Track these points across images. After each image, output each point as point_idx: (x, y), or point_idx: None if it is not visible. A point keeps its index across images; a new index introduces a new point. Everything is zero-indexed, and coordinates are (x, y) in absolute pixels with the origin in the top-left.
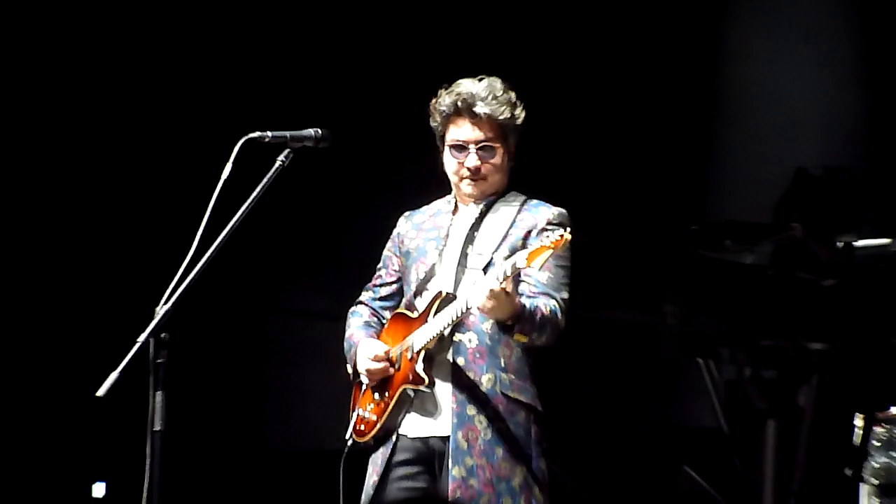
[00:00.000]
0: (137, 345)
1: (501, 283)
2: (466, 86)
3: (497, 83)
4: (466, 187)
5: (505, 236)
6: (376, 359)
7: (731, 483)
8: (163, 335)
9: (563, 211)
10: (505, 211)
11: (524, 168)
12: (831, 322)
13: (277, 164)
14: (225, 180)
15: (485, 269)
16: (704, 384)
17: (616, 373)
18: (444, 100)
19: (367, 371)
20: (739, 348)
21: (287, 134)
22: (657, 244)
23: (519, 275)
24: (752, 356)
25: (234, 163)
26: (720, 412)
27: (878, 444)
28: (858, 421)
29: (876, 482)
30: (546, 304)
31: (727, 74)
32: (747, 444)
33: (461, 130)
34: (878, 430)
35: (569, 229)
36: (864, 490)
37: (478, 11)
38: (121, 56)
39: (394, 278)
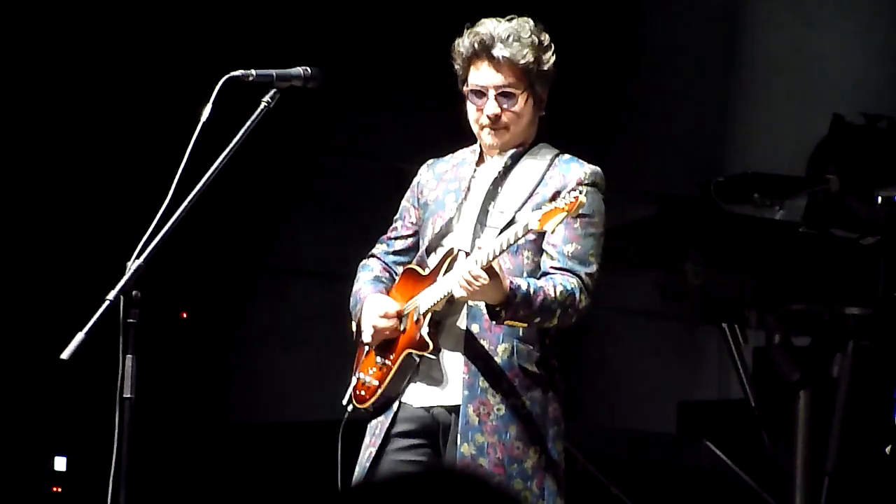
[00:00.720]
0: (106, 303)
1: (485, 264)
2: (488, 26)
3: (526, 24)
4: (487, 137)
5: (531, 195)
6: (386, 316)
7: (758, 461)
8: (134, 293)
9: (598, 169)
10: (533, 166)
11: (553, 117)
12: (870, 284)
13: (262, 105)
14: (204, 123)
15: (502, 230)
16: (729, 351)
17: (632, 338)
18: (465, 41)
19: (374, 328)
20: (768, 312)
21: (273, 72)
22: (677, 197)
23: (525, 245)
24: (781, 321)
25: (214, 104)
26: (746, 383)
27: None
28: None
29: None
30: (560, 284)
31: (763, 41)
32: (776, 418)
33: (480, 74)
34: None
35: (585, 191)
36: None
37: None
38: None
39: (410, 231)
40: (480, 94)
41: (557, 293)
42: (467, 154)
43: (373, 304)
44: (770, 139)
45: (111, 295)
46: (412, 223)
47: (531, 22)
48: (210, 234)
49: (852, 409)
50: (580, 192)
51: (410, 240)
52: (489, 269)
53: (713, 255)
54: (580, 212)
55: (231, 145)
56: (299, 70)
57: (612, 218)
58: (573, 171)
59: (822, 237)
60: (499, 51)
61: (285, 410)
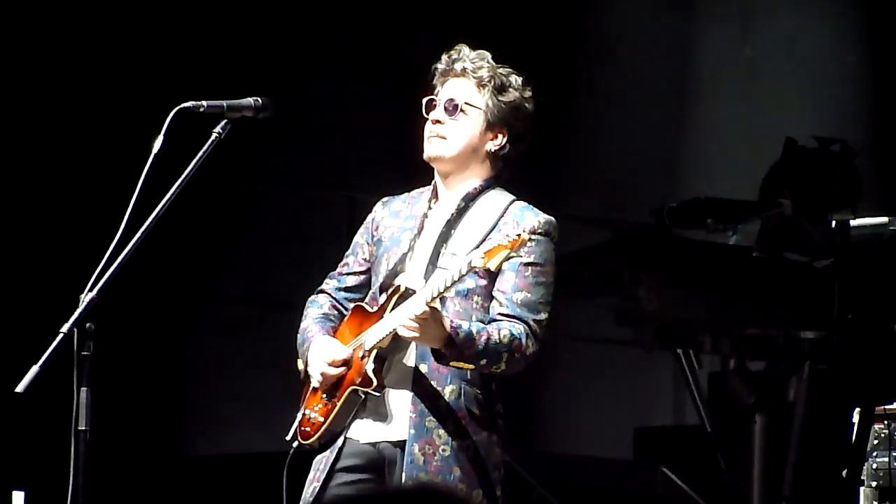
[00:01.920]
0: (60, 335)
1: (429, 300)
2: (465, 49)
3: (504, 67)
4: (427, 146)
5: (483, 240)
6: (334, 364)
7: (715, 486)
8: (88, 325)
9: (551, 219)
10: (487, 211)
11: None
12: (824, 308)
13: (213, 136)
14: (156, 155)
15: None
16: (684, 377)
17: (586, 365)
18: (442, 60)
19: (322, 374)
20: (723, 337)
21: (224, 103)
22: (630, 223)
23: (476, 290)
24: (736, 345)
25: (165, 135)
26: (702, 408)
27: (877, 442)
28: (855, 417)
29: (875, 485)
30: (506, 328)
31: (714, 65)
32: (732, 443)
33: (443, 89)
34: (876, 427)
35: (526, 230)
36: (863, 494)
37: None
38: (44, 22)
39: (363, 268)
40: (434, 102)
41: (502, 336)
42: (424, 193)
43: (320, 348)
44: (723, 164)
45: (65, 328)
46: (365, 259)
47: (522, 78)
48: (160, 266)
49: (809, 433)
50: (523, 231)
51: (363, 276)
52: (430, 307)
53: (667, 281)
54: (532, 260)
55: (183, 176)
56: (250, 101)
57: (566, 245)
58: (527, 220)
59: (775, 261)
60: (461, 64)
61: (237, 442)
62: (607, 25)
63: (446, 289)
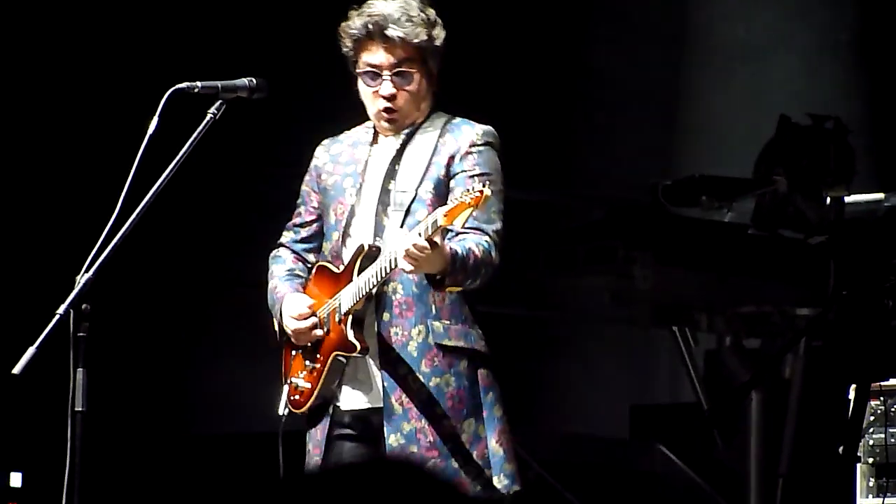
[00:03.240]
0: (56, 317)
1: (427, 236)
2: (378, 6)
3: (413, 1)
4: (383, 123)
5: (427, 167)
6: (301, 317)
7: (711, 464)
8: (84, 306)
9: (489, 129)
10: (426, 137)
11: (503, 121)
12: (819, 285)
13: (208, 116)
14: (151, 136)
15: (408, 209)
16: (680, 355)
17: (582, 343)
18: (355, 22)
19: (294, 331)
20: (718, 315)
21: (218, 84)
22: (625, 201)
23: (433, 204)
24: (732, 323)
25: (160, 116)
26: (698, 386)
27: (873, 418)
28: (851, 393)
29: (872, 461)
30: (479, 244)
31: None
32: (729, 420)
33: (374, 55)
34: (873, 403)
35: (489, 185)
36: (859, 470)
37: None
38: (40, 5)
39: (314, 216)
40: (375, 75)
41: (480, 252)
42: (361, 134)
43: (290, 304)
44: (717, 140)
45: (61, 309)
46: (314, 207)
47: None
48: (164, 247)
49: (805, 410)
50: (483, 186)
51: (315, 224)
52: (430, 240)
53: (662, 259)
54: (478, 171)
55: (178, 157)
56: (244, 81)
57: (561, 222)
58: (465, 134)
59: (770, 238)
60: (392, 31)
61: (243, 421)
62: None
63: (428, 238)
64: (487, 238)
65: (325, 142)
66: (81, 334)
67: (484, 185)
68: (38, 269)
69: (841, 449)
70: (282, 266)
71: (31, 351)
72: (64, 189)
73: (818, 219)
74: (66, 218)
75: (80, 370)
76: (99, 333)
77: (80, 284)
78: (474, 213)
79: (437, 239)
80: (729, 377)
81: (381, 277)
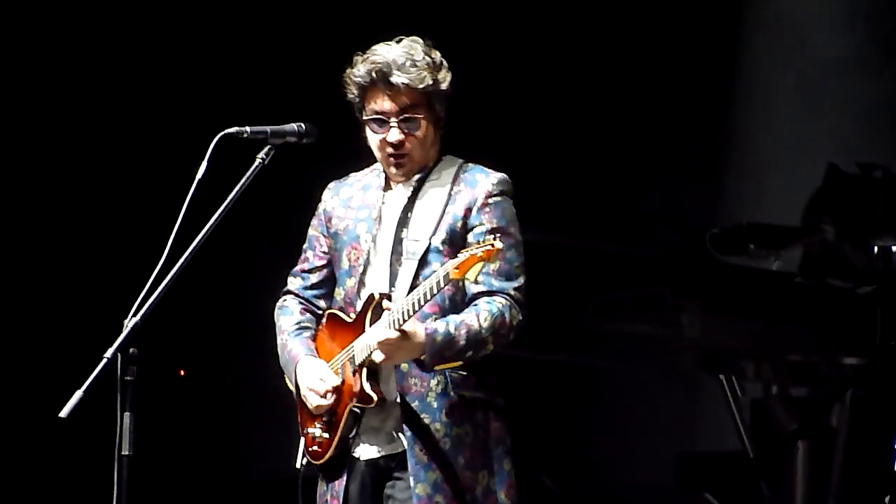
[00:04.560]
0: (104, 361)
1: (399, 325)
2: (381, 52)
3: (417, 45)
4: (392, 169)
5: (441, 216)
6: (326, 394)
7: None
8: (131, 350)
9: (503, 177)
10: (439, 185)
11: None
12: (867, 334)
13: (257, 161)
14: (200, 180)
15: (423, 258)
16: (727, 403)
17: (629, 391)
18: (359, 69)
19: (316, 407)
20: (765, 363)
21: (267, 129)
22: (673, 248)
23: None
24: (779, 372)
25: (209, 161)
26: (744, 434)
27: None
28: None
29: None
30: (484, 311)
31: (756, 95)
32: (775, 469)
33: (379, 103)
34: None
35: (500, 238)
36: None
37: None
38: (89, 52)
39: (323, 261)
40: (382, 122)
41: (482, 321)
42: (372, 178)
43: (310, 374)
44: (765, 189)
45: (109, 353)
46: (324, 253)
47: (421, 42)
48: (212, 289)
49: (851, 460)
50: (494, 239)
51: (325, 270)
52: (400, 331)
53: (709, 307)
54: (495, 225)
55: (227, 202)
56: (293, 126)
57: (609, 269)
58: (480, 184)
59: (818, 287)
60: (397, 77)
61: (290, 467)
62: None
63: (421, 306)
64: (503, 300)
65: (332, 185)
66: (129, 378)
67: (495, 239)
68: (86, 313)
69: (888, 499)
70: (289, 319)
71: (78, 394)
72: (114, 233)
73: (866, 268)
74: (116, 261)
75: (127, 414)
76: (146, 377)
77: (128, 328)
78: (495, 270)
79: (408, 327)
80: (776, 426)
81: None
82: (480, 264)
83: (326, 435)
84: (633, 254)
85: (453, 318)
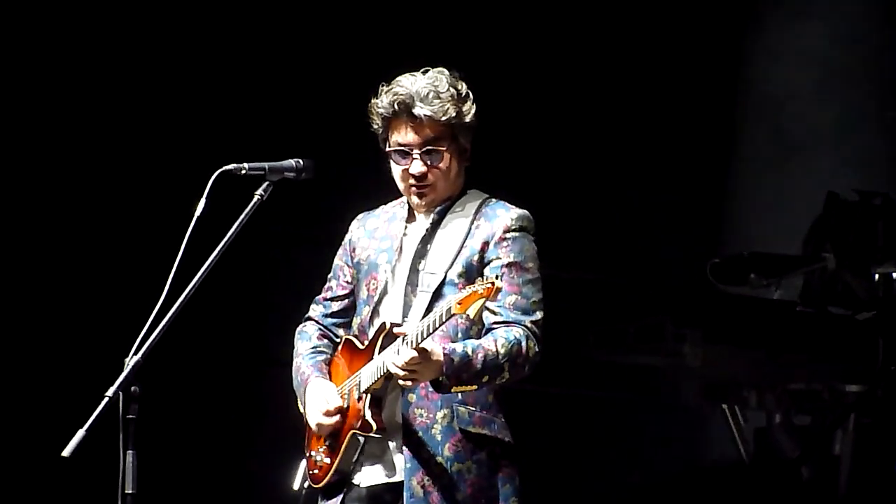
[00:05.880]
0: (106, 399)
1: (415, 345)
2: (405, 84)
3: (442, 77)
4: (415, 198)
5: (459, 250)
6: (328, 414)
7: None
8: (133, 388)
9: (524, 213)
10: (460, 219)
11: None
12: (868, 361)
13: (256, 198)
14: (198, 217)
15: (437, 291)
16: (730, 432)
17: (632, 422)
18: (382, 100)
19: (317, 425)
20: (768, 392)
21: (265, 165)
22: (674, 280)
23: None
24: (781, 400)
25: (208, 198)
26: (748, 463)
27: None
28: None
29: None
30: (502, 337)
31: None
32: (779, 497)
33: (402, 134)
34: None
35: (517, 273)
36: None
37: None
38: (85, 87)
39: (346, 291)
40: (405, 153)
41: (499, 347)
42: (398, 209)
43: (315, 395)
44: (765, 218)
45: (110, 391)
46: (347, 282)
47: (447, 73)
48: (212, 326)
49: (855, 487)
50: (496, 277)
51: (347, 300)
52: (419, 350)
53: (711, 337)
54: (512, 259)
55: (226, 238)
56: (291, 162)
57: (610, 301)
58: (500, 219)
59: (819, 315)
60: (419, 109)
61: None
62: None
63: (429, 334)
64: (521, 329)
65: (361, 216)
66: (130, 416)
67: (502, 276)
68: (86, 352)
69: None
70: (306, 343)
71: (80, 434)
72: (113, 271)
73: (866, 295)
74: (115, 300)
75: (129, 452)
76: (148, 416)
77: (129, 367)
78: (510, 304)
79: (427, 345)
80: (779, 454)
81: (384, 373)
82: (481, 301)
83: (328, 460)
84: (634, 285)
85: (471, 342)
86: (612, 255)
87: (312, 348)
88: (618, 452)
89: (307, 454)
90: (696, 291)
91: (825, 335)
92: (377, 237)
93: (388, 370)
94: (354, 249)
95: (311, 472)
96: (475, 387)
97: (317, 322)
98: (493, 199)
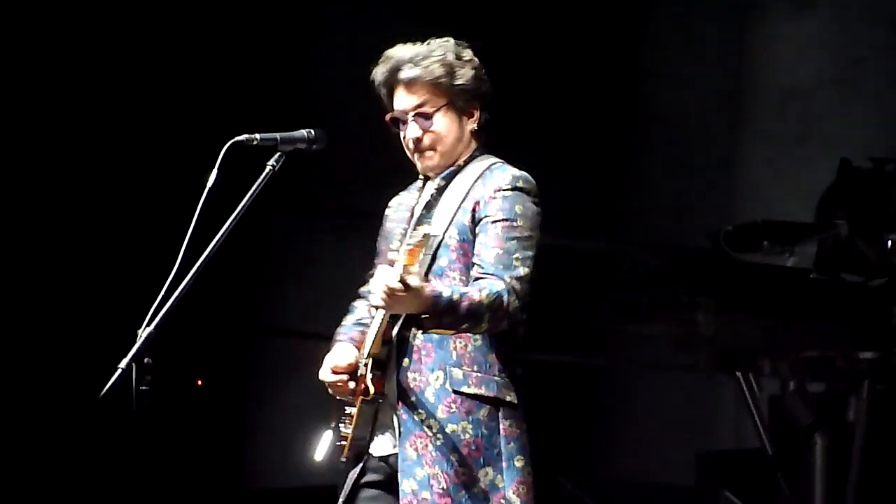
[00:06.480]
0: (119, 371)
1: (400, 278)
2: (396, 52)
3: (443, 43)
4: (417, 162)
5: (455, 212)
6: (334, 371)
7: None
8: (146, 360)
9: (522, 174)
10: (463, 182)
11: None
12: (882, 328)
13: (268, 168)
14: (210, 188)
15: (435, 254)
16: (744, 401)
17: (646, 391)
18: (378, 70)
19: (327, 384)
20: (781, 360)
21: (277, 136)
22: (687, 248)
23: (450, 266)
24: (795, 368)
25: (220, 169)
26: (762, 431)
27: None
28: None
29: None
30: (485, 288)
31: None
32: (793, 465)
33: (397, 100)
34: None
35: (429, 227)
36: None
37: None
38: (98, 61)
39: None
40: (401, 120)
41: (483, 296)
42: (419, 180)
43: (332, 354)
44: (778, 186)
45: (123, 363)
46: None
47: (451, 41)
48: (220, 298)
49: (869, 453)
50: (429, 229)
51: None
52: (404, 282)
53: (725, 305)
54: (500, 217)
55: (238, 209)
56: (303, 132)
57: (624, 270)
58: (494, 179)
59: (833, 283)
60: (405, 73)
61: (300, 475)
62: (665, 50)
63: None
64: (502, 283)
65: (396, 197)
66: (144, 388)
67: (427, 229)
68: (99, 324)
69: None
70: (351, 317)
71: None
72: (125, 243)
73: (879, 262)
74: (128, 271)
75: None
76: (159, 387)
77: (142, 338)
78: (492, 258)
79: (413, 281)
80: (793, 422)
81: (381, 320)
82: (419, 251)
83: (348, 431)
84: (647, 254)
85: (458, 288)
86: (624, 224)
87: (356, 321)
88: (632, 422)
89: (333, 425)
90: (709, 260)
91: (839, 302)
92: (399, 209)
93: (382, 318)
94: (384, 226)
95: (338, 444)
96: (453, 331)
97: (365, 298)
98: (500, 163)
